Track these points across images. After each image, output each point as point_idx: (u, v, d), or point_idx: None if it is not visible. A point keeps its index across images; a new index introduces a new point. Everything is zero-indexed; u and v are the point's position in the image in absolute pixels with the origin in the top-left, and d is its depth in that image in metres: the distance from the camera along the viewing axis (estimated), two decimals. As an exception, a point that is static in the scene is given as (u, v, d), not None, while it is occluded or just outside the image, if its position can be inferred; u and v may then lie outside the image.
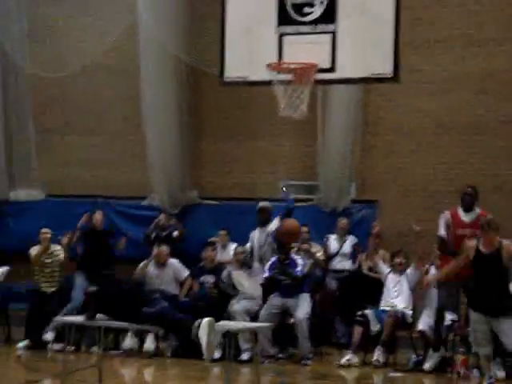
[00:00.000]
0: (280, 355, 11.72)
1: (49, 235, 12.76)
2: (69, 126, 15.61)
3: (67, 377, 8.41)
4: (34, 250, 12.74)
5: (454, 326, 11.21)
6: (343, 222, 13.42)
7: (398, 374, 10.95)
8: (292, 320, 11.56)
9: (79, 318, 9.55)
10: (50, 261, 12.78)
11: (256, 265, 12.22)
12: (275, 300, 11.68)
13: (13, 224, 15.41)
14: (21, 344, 12.14)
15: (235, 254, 12.35)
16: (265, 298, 11.83)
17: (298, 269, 11.66)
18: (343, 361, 11.32)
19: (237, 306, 11.85)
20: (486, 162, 13.40)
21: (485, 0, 13.54)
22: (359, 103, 13.91)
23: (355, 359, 11.33)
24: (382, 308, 11.62)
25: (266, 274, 11.80)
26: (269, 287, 11.81)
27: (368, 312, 11.52)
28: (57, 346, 11.96)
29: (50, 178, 15.46)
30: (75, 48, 15.11)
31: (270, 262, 11.94)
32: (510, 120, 13.31)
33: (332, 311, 12.93)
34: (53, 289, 12.71)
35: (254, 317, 11.66)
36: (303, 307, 11.52)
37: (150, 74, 14.52)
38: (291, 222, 11.52)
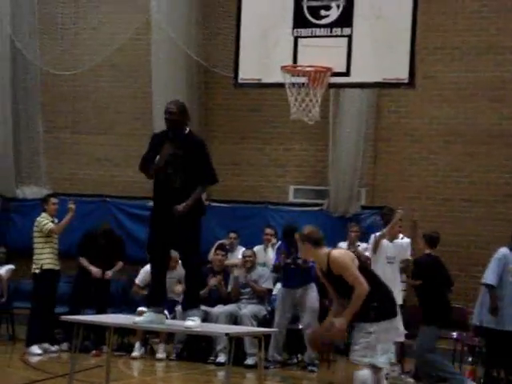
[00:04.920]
0: (289, 361, 11.61)
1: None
2: (78, 124, 15.53)
3: (73, 376, 8.30)
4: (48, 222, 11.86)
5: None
6: (355, 228, 12.70)
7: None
8: (300, 326, 11.45)
9: (90, 318, 9.45)
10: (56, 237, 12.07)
11: None
12: (283, 296, 11.50)
13: (19, 221, 15.27)
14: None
15: (243, 257, 12.26)
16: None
17: None
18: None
19: (244, 310, 11.75)
20: (498, 171, 13.27)
21: (500, 7, 13.42)
22: (371, 108, 13.80)
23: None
24: None
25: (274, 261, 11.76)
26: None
27: None
28: (64, 346, 11.84)
29: (58, 175, 15.40)
30: (87, 46, 15.04)
31: (276, 246, 11.87)
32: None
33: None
34: (58, 267, 12.02)
35: (261, 321, 11.56)
36: (311, 307, 11.34)
37: (162, 74, 14.42)
38: None
